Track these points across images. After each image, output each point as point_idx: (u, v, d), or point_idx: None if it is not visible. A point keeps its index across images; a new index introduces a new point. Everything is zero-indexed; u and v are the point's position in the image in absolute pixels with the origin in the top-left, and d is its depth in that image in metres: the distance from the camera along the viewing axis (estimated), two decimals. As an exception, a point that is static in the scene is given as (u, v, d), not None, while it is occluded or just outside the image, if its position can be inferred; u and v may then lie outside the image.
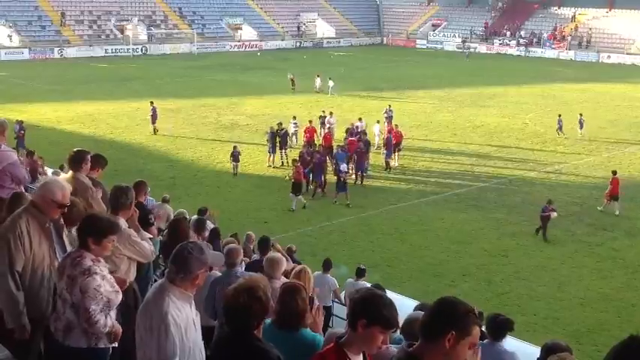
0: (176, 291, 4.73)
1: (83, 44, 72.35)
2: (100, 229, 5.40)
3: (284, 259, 7.81)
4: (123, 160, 29.20)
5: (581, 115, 36.13)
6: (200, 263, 4.79)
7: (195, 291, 4.99)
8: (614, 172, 24.85)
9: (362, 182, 27.25)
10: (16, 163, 8.19)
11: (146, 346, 4.74)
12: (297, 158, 25.70)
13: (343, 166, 25.31)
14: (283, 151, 29.91)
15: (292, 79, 49.68)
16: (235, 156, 28.07)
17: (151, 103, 36.02)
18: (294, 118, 33.54)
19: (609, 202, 24.38)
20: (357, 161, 27.37)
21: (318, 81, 49.16)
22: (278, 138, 29.69)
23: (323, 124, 33.55)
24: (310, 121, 31.72)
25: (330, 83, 48.43)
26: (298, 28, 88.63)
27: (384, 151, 29.61)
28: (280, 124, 30.71)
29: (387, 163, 29.34)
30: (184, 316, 4.71)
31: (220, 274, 8.23)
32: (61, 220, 6.19)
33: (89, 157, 8.13)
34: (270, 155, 29.51)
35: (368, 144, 28.95)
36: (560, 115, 36.40)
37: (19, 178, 8.13)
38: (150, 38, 77.32)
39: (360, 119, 33.22)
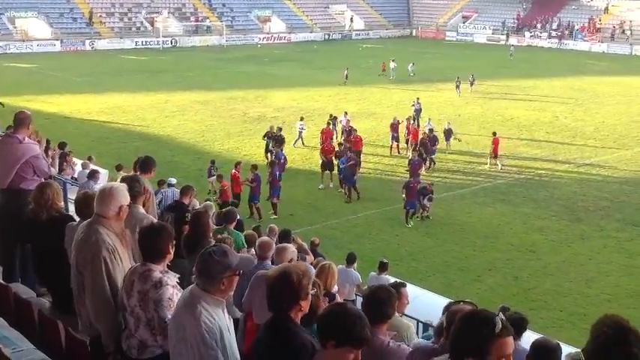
0: (207, 297, 4.50)
1: (114, 36, 73.13)
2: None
3: (291, 247, 7.94)
4: (151, 151, 29.20)
5: (472, 74, 46.12)
6: (222, 267, 4.47)
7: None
8: (494, 133, 28.95)
9: (349, 196, 24.58)
10: (39, 156, 8.41)
11: (183, 358, 4.54)
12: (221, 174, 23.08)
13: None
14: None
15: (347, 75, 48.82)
16: (210, 172, 24.77)
17: None
18: (302, 119, 32.09)
19: (494, 159, 28.30)
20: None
21: (392, 65, 52.02)
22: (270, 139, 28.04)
23: (334, 125, 30.98)
24: (328, 123, 30.52)
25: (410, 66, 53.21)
26: (351, 19, 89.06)
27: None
28: (280, 128, 28.79)
29: (432, 161, 28.32)
30: (217, 323, 4.50)
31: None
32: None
33: (153, 165, 8.74)
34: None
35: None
36: (458, 77, 44.56)
37: (42, 171, 8.35)
38: (197, 29, 78.91)
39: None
